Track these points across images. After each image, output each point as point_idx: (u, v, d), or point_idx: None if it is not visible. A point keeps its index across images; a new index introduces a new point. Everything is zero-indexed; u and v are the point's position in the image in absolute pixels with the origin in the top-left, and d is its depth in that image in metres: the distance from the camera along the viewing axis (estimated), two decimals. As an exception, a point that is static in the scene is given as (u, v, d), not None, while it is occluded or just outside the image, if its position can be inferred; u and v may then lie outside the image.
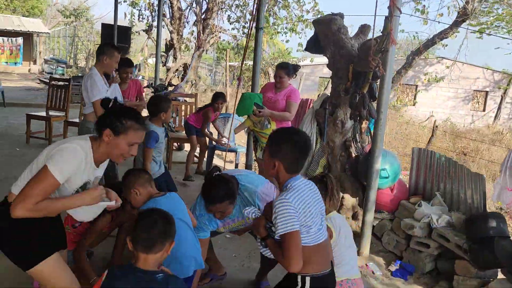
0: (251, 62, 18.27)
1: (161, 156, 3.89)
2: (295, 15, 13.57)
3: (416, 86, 19.47)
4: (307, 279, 2.02)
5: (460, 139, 9.75)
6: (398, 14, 3.61)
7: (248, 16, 13.95)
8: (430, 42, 8.59)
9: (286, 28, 13.58)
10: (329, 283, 2.12)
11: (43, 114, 7.38)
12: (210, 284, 3.38)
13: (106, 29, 11.45)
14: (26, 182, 2.10)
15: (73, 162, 2.10)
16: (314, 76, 21.48)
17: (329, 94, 4.47)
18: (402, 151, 9.37)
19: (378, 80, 3.75)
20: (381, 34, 3.71)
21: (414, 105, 19.44)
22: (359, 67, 3.89)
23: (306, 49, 4.56)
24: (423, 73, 18.23)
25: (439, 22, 8.79)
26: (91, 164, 2.22)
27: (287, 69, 4.60)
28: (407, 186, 4.49)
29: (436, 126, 7.05)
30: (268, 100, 4.69)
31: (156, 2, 12.53)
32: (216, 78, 25.40)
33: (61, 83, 7.75)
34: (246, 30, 14.13)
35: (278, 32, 14.76)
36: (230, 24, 14.15)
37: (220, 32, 13.34)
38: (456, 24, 8.05)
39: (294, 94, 4.58)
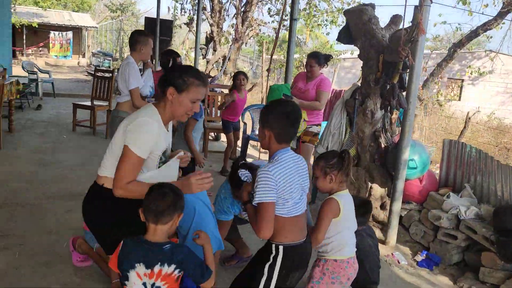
0: (296, 55, 18.27)
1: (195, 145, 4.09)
2: (335, 8, 13.47)
3: (462, 80, 18.82)
4: (280, 248, 2.13)
5: (504, 135, 9.43)
6: (428, 4, 3.60)
7: (288, 9, 14.01)
8: (473, 34, 8.33)
9: (326, 20, 13.50)
10: (302, 253, 2.21)
11: (88, 103, 7.77)
12: (236, 265, 3.52)
13: (149, 22, 11.84)
14: (108, 162, 2.28)
15: (149, 136, 2.21)
16: (355, 70, 21.21)
17: (360, 85, 4.49)
18: (440, 146, 9.17)
19: (408, 71, 3.75)
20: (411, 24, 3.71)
21: (459, 99, 18.80)
22: (389, 57, 3.90)
23: (337, 39, 4.60)
24: (469, 66, 17.61)
25: (482, 13, 8.50)
26: (163, 129, 2.33)
27: (318, 58, 4.65)
28: (438, 177, 4.46)
29: (469, 118, 6.87)
30: (299, 90, 4.77)
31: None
32: (257, 71, 25.56)
33: (106, 74, 8.14)
34: (286, 23, 14.18)
35: (318, 25, 14.69)
36: (271, 17, 14.24)
37: (259, 25, 13.45)
38: (501, 15, 7.77)
39: (324, 82, 4.62)
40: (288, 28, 5.75)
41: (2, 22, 10.01)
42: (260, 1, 11.79)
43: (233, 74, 12.67)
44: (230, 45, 11.28)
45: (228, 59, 11.49)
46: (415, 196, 4.29)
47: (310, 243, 2.30)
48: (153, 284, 1.89)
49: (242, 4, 11.43)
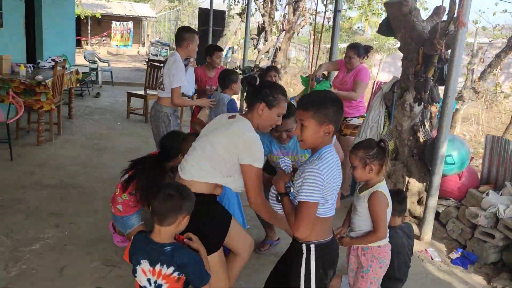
0: (343, 45, 17.99)
1: None
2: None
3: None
4: (312, 247, 2.07)
5: None
6: (471, -5, 3.49)
7: (343, -2, 13.77)
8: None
9: (382, 9, 13.17)
10: (333, 249, 2.16)
11: (142, 92, 8.15)
12: (269, 250, 3.64)
13: (203, 13, 12.11)
14: (194, 169, 2.35)
15: (261, 149, 2.33)
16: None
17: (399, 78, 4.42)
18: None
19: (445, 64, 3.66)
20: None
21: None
22: (429, 50, 3.82)
23: (378, 32, 4.53)
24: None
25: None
26: None
27: (357, 49, 4.62)
28: (479, 174, 4.32)
29: None
30: (339, 81, 4.78)
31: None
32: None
33: (159, 64, 8.47)
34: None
35: (373, 14, 14.35)
36: (324, 6, 14.09)
37: (312, 14, 13.35)
38: None
39: (362, 72, 4.59)
40: (332, 19, 5.71)
41: (66, 15, 10.64)
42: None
43: (284, 65, 12.73)
44: (278, 35, 11.30)
45: (278, 49, 11.53)
46: (453, 193, 4.19)
47: (335, 240, 2.25)
48: (155, 282, 1.95)
49: (294, -6, 11.38)
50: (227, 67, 10.96)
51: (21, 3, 7.53)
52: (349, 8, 12.86)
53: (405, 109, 4.18)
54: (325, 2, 13.85)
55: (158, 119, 4.09)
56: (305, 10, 11.31)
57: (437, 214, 4.26)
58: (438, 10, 4.06)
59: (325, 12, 5.58)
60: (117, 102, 9.68)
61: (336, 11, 5.50)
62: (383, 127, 4.37)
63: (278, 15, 13.92)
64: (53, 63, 6.78)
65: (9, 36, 7.05)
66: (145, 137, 6.78)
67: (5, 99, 5.49)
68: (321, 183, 1.96)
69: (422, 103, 3.96)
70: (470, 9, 3.54)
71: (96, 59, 12.01)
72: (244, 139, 2.29)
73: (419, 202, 4.33)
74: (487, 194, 3.86)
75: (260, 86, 2.49)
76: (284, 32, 11.34)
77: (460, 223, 4.04)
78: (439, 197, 4.29)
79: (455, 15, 3.43)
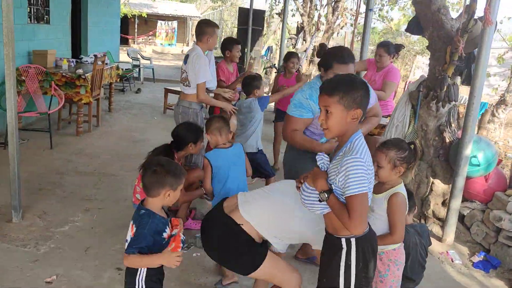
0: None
1: (252, 131, 4.05)
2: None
3: None
4: (353, 241, 1.96)
5: None
6: (499, -7, 3.41)
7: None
8: None
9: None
10: (373, 240, 2.05)
11: (178, 89, 8.38)
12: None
13: (243, 12, 12.27)
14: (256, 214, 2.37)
15: None
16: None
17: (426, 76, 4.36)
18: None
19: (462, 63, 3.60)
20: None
21: None
22: (454, 48, 3.76)
23: (406, 30, 4.49)
24: None
25: None
26: None
27: (387, 48, 4.61)
28: (508, 177, 4.19)
29: None
30: (367, 80, 4.77)
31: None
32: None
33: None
34: (382, 13, 13.76)
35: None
36: (357, 6, 13.91)
37: (352, 15, 13.23)
38: None
39: (391, 72, 4.57)
40: (365, 19, 5.68)
41: (112, 14, 11.09)
42: (352, -9, 11.57)
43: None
44: (313, 35, 11.28)
45: (316, 48, 11.50)
46: (479, 195, 4.09)
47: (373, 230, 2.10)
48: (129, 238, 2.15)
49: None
50: (255, 66, 11.02)
51: (68, 2, 7.94)
52: (390, 9, 12.64)
53: (431, 109, 4.12)
54: (365, 2, 13.71)
55: (187, 116, 4.04)
56: (344, 10, 11.22)
57: (462, 217, 4.18)
58: (468, 9, 3.98)
59: (356, 12, 5.54)
60: (156, 98, 9.99)
61: (367, 10, 5.48)
62: (408, 126, 4.33)
63: (319, 15, 13.92)
64: (98, 57, 7.11)
65: (55, 32, 7.45)
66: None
67: (48, 91, 5.83)
68: (366, 171, 1.87)
69: (440, 103, 3.89)
70: (498, 7, 3.46)
71: (139, 56, 12.42)
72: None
73: (443, 203, 4.25)
74: (513, 198, 3.75)
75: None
76: (318, 32, 11.32)
77: (485, 226, 3.94)
78: (465, 200, 4.21)
79: (475, 13, 3.37)
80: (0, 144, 5.33)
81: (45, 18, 7.20)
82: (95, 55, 7.56)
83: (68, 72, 6.08)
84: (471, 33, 3.77)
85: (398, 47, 4.73)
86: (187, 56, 4.09)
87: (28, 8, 6.58)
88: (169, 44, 24.26)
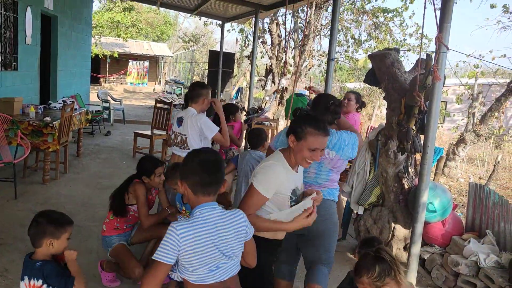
0: (351, 85, 18.10)
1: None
2: (398, 39, 13.39)
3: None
4: None
5: None
6: (445, 51, 3.67)
7: (351, 40, 14.16)
8: (536, 68, 7.98)
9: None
10: None
11: (148, 133, 8.42)
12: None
13: (213, 55, 12.57)
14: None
15: (274, 177, 2.39)
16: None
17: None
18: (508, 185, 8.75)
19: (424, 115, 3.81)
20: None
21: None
22: (409, 101, 3.98)
23: (364, 81, 4.73)
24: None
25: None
26: (290, 171, 2.48)
27: (357, 95, 4.99)
28: (464, 222, 4.37)
29: (498, 162, 6.52)
30: None
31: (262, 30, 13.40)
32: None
33: (165, 106, 8.79)
34: (348, 54, 14.32)
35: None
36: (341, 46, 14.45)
37: (321, 56, 13.73)
38: None
39: (353, 119, 4.81)
40: (327, 68, 5.94)
41: (83, 57, 11.17)
42: (317, 35, 12.07)
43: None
44: (280, 79, 11.63)
45: (285, 90, 11.82)
46: (438, 240, 4.25)
47: None
48: None
49: (301, 38, 11.78)
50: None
51: (37, 47, 7.99)
52: (355, 51, 13.17)
53: (389, 157, 4.31)
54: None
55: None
56: (309, 53, 11.64)
57: (423, 261, 4.31)
58: (423, 62, 4.24)
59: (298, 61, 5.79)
60: (126, 141, 9.98)
61: (329, 60, 5.73)
62: (369, 173, 4.49)
63: (288, 57, 14.35)
64: (67, 104, 7.12)
65: (22, 78, 7.45)
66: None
67: (13, 140, 5.78)
68: (173, 243, 1.86)
69: (399, 152, 4.09)
70: (445, 64, 3.71)
71: (109, 98, 12.45)
72: (263, 165, 2.50)
73: (405, 248, 4.38)
74: (469, 242, 3.90)
75: (295, 117, 2.60)
76: (285, 76, 11.68)
77: (444, 270, 4.07)
78: (425, 244, 4.35)
79: (431, 70, 3.60)
80: (-38, 195, 5.22)
81: (12, 65, 7.21)
82: (64, 101, 7.59)
83: (35, 120, 6.06)
84: (413, 87, 4.03)
85: (363, 103, 5.09)
86: (180, 119, 4.01)
87: (-4, 56, 6.60)
88: (140, 83, 24.39)
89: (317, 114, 2.77)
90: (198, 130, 3.94)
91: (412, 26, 12.85)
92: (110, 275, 3.69)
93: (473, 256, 3.78)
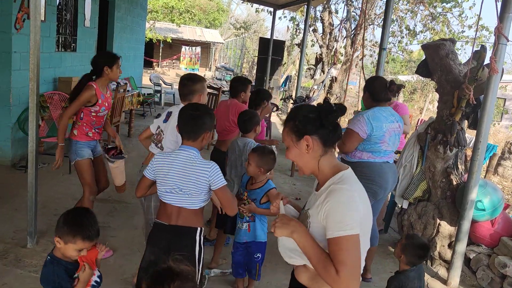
0: (403, 77, 17.56)
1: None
2: (456, 31, 12.85)
3: None
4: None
5: None
6: (504, 42, 3.50)
7: (405, 31, 13.72)
8: None
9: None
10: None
11: (196, 116, 8.59)
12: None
13: (263, 42, 12.56)
14: None
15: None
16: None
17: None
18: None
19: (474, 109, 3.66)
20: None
21: None
22: (460, 94, 3.84)
23: (416, 72, 4.59)
24: None
25: None
26: None
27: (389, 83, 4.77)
28: (516, 223, 4.18)
29: None
30: None
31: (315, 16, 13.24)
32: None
33: (214, 91, 8.92)
34: (402, 45, 13.90)
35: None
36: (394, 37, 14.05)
37: (374, 46, 13.39)
38: None
39: (399, 107, 4.69)
40: (377, 56, 5.80)
41: (137, 41, 11.50)
42: (370, 24, 11.78)
43: (338, 97, 12.78)
44: (329, 68, 11.45)
45: (335, 80, 11.66)
46: (485, 239, 4.09)
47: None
48: None
49: (353, 27, 11.55)
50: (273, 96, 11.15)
51: (94, 30, 8.30)
52: (409, 42, 12.76)
53: (438, 151, 4.18)
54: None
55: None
56: (359, 42, 11.38)
57: (469, 260, 4.17)
58: (476, 54, 4.06)
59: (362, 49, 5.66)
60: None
61: (381, 49, 5.59)
62: (416, 167, 4.38)
63: (339, 47, 14.12)
64: (119, 85, 7.38)
65: (81, 59, 7.78)
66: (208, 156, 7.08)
67: (70, 117, 6.07)
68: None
69: (442, 146, 3.95)
70: (504, 56, 3.54)
71: (161, 81, 12.77)
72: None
73: (450, 245, 4.25)
74: (519, 244, 3.74)
75: None
76: (335, 65, 11.50)
77: (491, 272, 3.93)
78: (472, 243, 4.21)
79: (484, 62, 3.45)
80: (21, 167, 5.56)
81: (72, 46, 7.54)
82: (117, 83, 7.85)
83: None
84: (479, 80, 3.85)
85: (399, 87, 4.86)
86: (169, 114, 3.41)
87: (56, 37, 6.91)
88: (192, 69, 24.81)
89: (378, 93, 3.41)
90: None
91: (472, 18, 12.15)
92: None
93: (523, 258, 3.62)
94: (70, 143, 3.81)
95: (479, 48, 3.94)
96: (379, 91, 3.41)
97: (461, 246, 3.90)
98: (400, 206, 4.65)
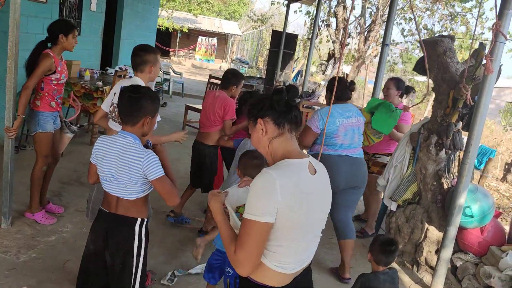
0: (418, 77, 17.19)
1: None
2: (476, 33, 12.43)
3: None
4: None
5: None
6: (502, 41, 3.30)
7: (424, 31, 13.37)
8: None
9: (461, 47, 12.53)
10: None
11: (198, 106, 8.49)
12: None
13: (276, 35, 12.38)
14: None
15: None
16: (499, 100, 19.22)
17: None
18: None
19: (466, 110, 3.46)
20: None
21: None
22: (456, 93, 3.64)
23: (414, 69, 4.39)
24: None
25: None
26: None
27: (397, 82, 4.60)
28: (507, 232, 3.98)
29: None
30: None
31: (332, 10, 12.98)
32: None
33: (218, 81, 8.81)
34: (417, 44, 13.55)
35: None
36: (404, 37, 13.71)
37: (392, 44, 13.09)
38: None
39: (403, 115, 4.48)
40: (380, 52, 5.62)
41: (148, 28, 11.43)
42: (384, 22, 11.47)
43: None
44: (334, 64, 11.21)
45: (346, 77, 11.43)
46: (473, 247, 3.90)
47: None
48: None
49: (367, 24, 11.29)
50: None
51: (101, 15, 8.26)
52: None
53: (430, 152, 3.99)
54: (403, 33, 13.51)
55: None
56: (373, 39, 11.14)
57: (456, 268, 3.99)
58: (475, 53, 3.86)
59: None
60: (180, 113, 10.15)
61: (383, 45, 5.41)
62: (407, 168, 4.20)
63: (352, 43, 13.85)
64: (118, 71, 7.33)
65: (84, 44, 7.73)
66: (189, 149, 7.04)
67: (65, 101, 6.04)
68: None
69: (437, 148, 3.76)
70: (501, 56, 3.34)
71: (170, 70, 12.72)
72: None
73: (437, 251, 4.07)
74: (507, 255, 3.55)
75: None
76: (340, 61, 11.27)
77: (476, 281, 3.74)
78: (460, 250, 4.03)
79: (483, 61, 3.26)
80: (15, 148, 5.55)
81: (76, 30, 7.50)
82: (119, 68, 7.81)
83: (88, 84, 6.29)
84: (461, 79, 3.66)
85: (408, 89, 4.66)
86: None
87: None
88: (208, 60, 24.76)
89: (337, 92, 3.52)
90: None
91: (493, 19, 11.69)
92: (41, 213, 3.98)
93: (509, 270, 3.43)
94: (32, 114, 3.80)
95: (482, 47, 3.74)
96: (338, 90, 3.56)
97: (447, 253, 3.72)
98: (389, 207, 4.48)
